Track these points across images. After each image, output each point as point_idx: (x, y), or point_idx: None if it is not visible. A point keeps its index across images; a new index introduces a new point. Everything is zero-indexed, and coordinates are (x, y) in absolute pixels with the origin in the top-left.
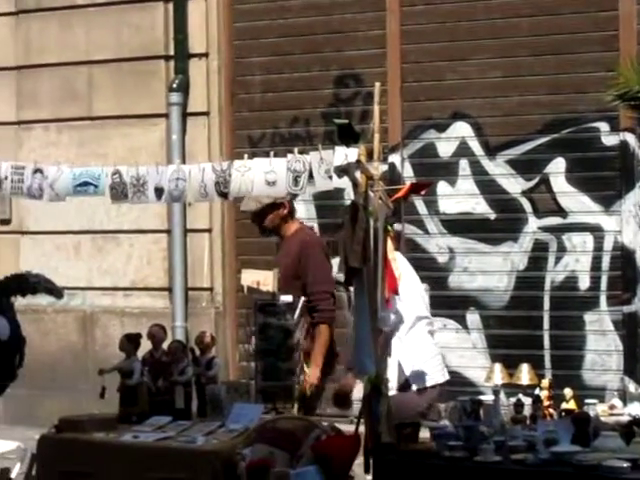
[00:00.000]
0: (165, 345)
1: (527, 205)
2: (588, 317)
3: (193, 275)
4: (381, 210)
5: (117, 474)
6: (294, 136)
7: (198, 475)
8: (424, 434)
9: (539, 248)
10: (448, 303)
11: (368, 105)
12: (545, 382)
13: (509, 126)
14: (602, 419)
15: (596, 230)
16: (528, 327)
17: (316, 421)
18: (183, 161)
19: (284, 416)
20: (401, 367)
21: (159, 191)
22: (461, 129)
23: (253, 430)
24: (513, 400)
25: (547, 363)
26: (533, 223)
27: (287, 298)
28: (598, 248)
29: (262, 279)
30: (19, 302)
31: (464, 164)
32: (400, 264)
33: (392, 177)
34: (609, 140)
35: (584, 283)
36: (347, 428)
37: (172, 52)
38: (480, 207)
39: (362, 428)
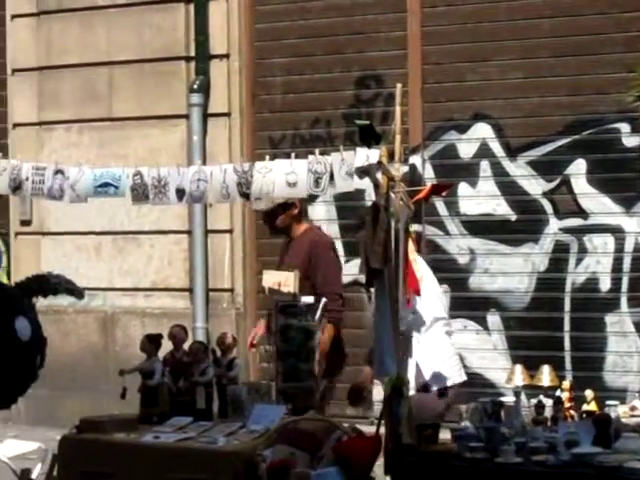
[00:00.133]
0: (186, 346)
1: (548, 206)
2: (609, 318)
3: (214, 276)
4: (402, 211)
5: (138, 475)
6: (315, 137)
7: (219, 476)
8: (444, 435)
9: (560, 249)
10: (469, 304)
11: (389, 106)
12: (566, 384)
13: (530, 127)
14: (623, 420)
15: (617, 231)
16: (549, 328)
17: (337, 422)
18: (204, 162)
19: (305, 417)
20: (419, 368)
21: (180, 192)
22: (482, 130)
23: (274, 431)
24: (534, 401)
25: (568, 365)
26: (554, 224)
27: (308, 299)
28: (619, 249)
29: (283, 280)
30: (40, 303)
31: (485, 165)
32: (419, 265)
33: (413, 178)
34: (630, 141)
35: (605, 284)
36: (368, 429)
37: (193, 53)
38: (501, 208)
39: (383, 429)
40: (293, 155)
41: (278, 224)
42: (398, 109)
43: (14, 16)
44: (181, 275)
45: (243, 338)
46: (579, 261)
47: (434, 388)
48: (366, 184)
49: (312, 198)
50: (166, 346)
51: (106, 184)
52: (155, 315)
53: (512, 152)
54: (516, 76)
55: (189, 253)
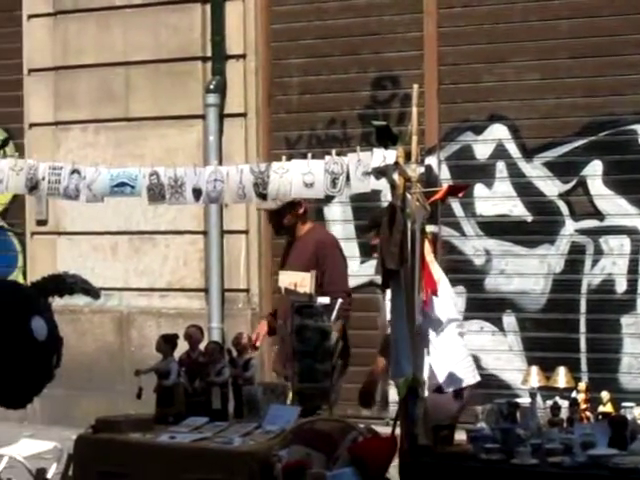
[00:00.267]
0: (202, 346)
1: (564, 208)
2: (625, 320)
3: (229, 276)
4: (418, 212)
5: (153, 475)
6: (331, 138)
7: (235, 476)
8: (459, 436)
9: (576, 251)
10: (484, 305)
11: (405, 107)
12: (582, 385)
13: (546, 128)
14: (639, 422)
15: (633, 233)
16: (564, 330)
17: (353, 423)
18: (220, 162)
19: (321, 417)
20: (432, 369)
21: (197, 192)
22: (498, 131)
23: (290, 431)
24: (550, 403)
25: (583, 366)
26: (570, 226)
27: (324, 300)
28: (635, 251)
29: (299, 281)
30: (56, 302)
31: (501, 166)
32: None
33: (429, 179)
34: None
35: (621, 286)
36: (383, 430)
37: (209, 53)
38: (517, 209)
39: (398, 430)
40: (310, 156)
41: (285, 223)
42: (415, 110)
43: (30, 16)
44: (197, 275)
45: None
46: (595, 262)
47: (448, 390)
48: (381, 185)
49: (328, 199)
50: (182, 346)
51: (122, 184)
52: (171, 315)
53: (528, 153)
54: (532, 77)
55: (205, 253)
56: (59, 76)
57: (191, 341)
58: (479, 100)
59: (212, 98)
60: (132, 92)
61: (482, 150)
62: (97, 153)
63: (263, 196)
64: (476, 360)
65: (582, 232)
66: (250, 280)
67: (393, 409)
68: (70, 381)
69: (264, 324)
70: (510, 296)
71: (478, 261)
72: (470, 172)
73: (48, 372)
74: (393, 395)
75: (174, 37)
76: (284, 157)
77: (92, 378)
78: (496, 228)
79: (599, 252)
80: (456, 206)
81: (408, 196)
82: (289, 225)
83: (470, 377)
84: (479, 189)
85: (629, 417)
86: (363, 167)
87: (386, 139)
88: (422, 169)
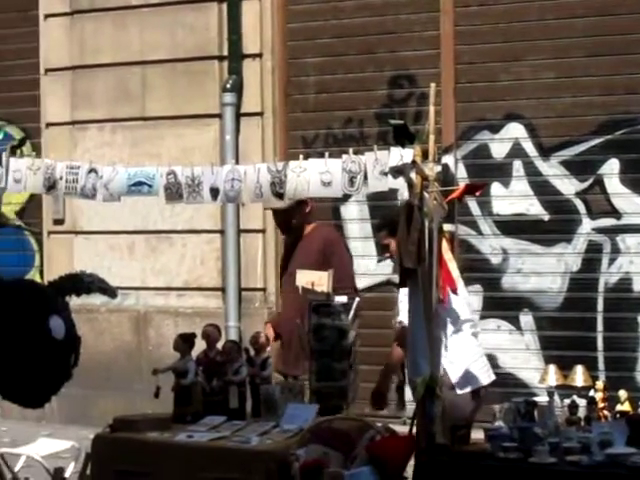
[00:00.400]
0: (219, 345)
1: (581, 206)
2: None
3: (246, 275)
4: (436, 211)
5: (171, 474)
6: (348, 137)
7: (252, 475)
8: (477, 435)
9: (593, 249)
10: (501, 304)
11: (421, 106)
12: (600, 384)
13: (563, 127)
14: None
15: None
16: (582, 329)
17: (370, 422)
18: (237, 161)
19: (339, 416)
20: (446, 369)
21: (214, 191)
22: (515, 130)
23: (307, 430)
24: (567, 402)
25: (601, 365)
26: (587, 224)
27: (342, 298)
28: None
29: (317, 279)
30: (73, 302)
31: (518, 165)
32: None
33: (445, 178)
34: None
35: (638, 284)
36: (401, 429)
37: (226, 52)
38: (534, 208)
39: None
40: (327, 154)
41: (294, 223)
42: (432, 109)
43: (47, 15)
44: (214, 274)
45: None
46: (612, 261)
47: (462, 391)
48: (399, 184)
49: (345, 197)
50: (199, 345)
51: (140, 183)
52: (188, 314)
53: (545, 152)
54: (549, 76)
55: (222, 252)
56: (76, 76)
57: (209, 340)
58: (496, 99)
59: (229, 97)
60: (149, 91)
61: (499, 149)
62: (114, 152)
63: (280, 195)
64: (493, 359)
65: (599, 231)
66: (267, 279)
67: (410, 408)
68: (88, 380)
69: (270, 327)
70: (527, 295)
71: (495, 260)
72: (487, 171)
73: (66, 371)
74: (410, 394)
75: (191, 36)
76: (301, 156)
77: (110, 377)
78: (513, 227)
79: (616, 250)
80: (473, 205)
81: (425, 195)
82: (297, 225)
83: (485, 377)
84: (496, 188)
85: None
86: (380, 166)
87: (403, 138)
88: (439, 168)
